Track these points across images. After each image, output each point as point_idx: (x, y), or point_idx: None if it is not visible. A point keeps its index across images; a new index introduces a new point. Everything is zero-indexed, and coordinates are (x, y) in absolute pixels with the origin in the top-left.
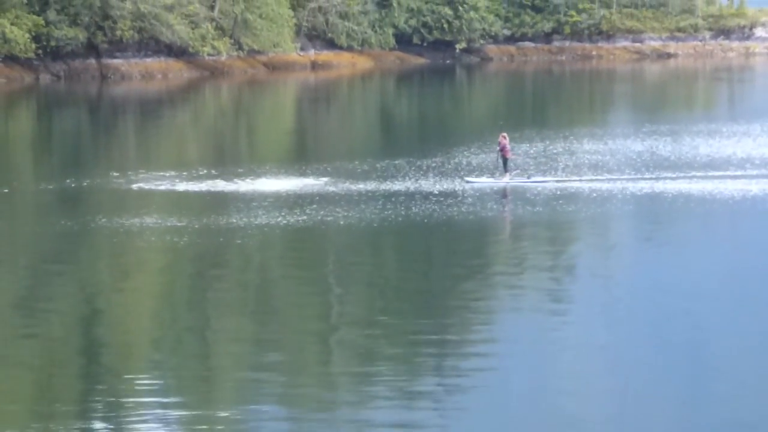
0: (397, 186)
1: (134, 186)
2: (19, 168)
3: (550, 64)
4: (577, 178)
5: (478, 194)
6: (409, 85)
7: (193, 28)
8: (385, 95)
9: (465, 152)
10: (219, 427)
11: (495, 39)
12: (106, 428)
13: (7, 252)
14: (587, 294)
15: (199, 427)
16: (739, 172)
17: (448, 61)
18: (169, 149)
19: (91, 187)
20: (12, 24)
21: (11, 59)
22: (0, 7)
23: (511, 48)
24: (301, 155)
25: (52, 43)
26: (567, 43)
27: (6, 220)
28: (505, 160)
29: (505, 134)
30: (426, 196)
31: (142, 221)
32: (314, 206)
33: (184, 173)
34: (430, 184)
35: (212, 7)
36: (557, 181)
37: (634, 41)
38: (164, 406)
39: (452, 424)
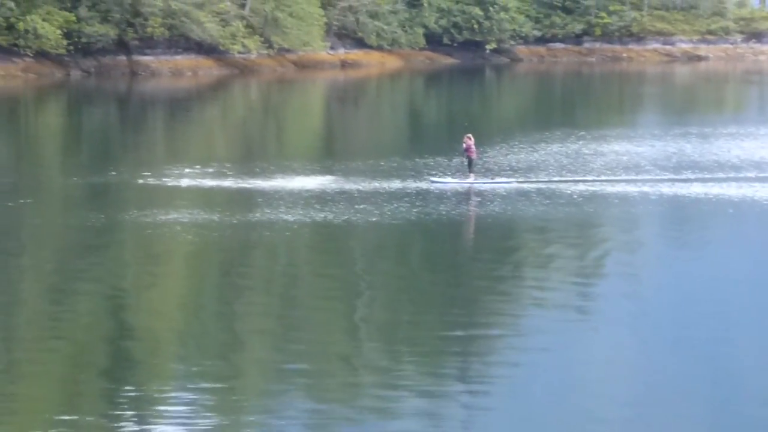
0: (424, 185)
1: (163, 181)
2: (50, 162)
3: (580, 65)
4: (559, 179)
5: (505, 194)
6: (438, 85)
7: (223, 26)
8: (413, 95)
9: (493, 152)
10: (246, 423)
11: (525, 40)
12: (132, 423)
13: (37, 245)
14: (613, 295)
15: (226, 422)
16: None
17: (477, 62)
18: (197, 146)
19: (120, 181)
20: (43, 20)
21: (42, 55)
22: (32, 4)
23: (541, 49)
24: (328, 153)
25: (83, 40)
26: (597, 45)
27: (36, 213)
28: (470, 161)
29: (470, 135)
30: (454, 195)
31: (171, 216)
32: (341, 203)
33: (213, 169)
34: (509, 183)
35: (243, 5)
36: (519, 182)
37: (664, 43)
38: (190, 402)
39: (477, 422)
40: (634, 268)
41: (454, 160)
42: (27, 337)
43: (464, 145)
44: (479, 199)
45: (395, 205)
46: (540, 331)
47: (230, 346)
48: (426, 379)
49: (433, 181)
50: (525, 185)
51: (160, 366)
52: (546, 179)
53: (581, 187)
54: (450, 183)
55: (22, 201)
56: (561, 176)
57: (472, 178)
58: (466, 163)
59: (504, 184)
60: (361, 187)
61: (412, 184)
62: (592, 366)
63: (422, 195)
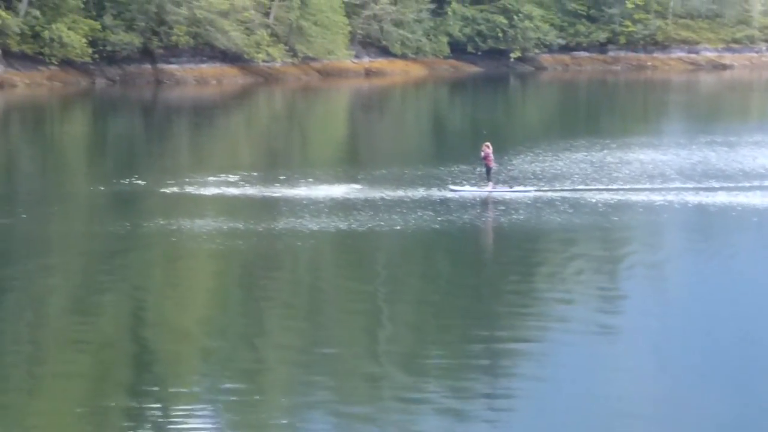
0: (448, 194)
1: (187, 189)
2: (75, 170)
3: (604, 74)
4: (580, 188)
5: (530, 203)
6: (462, 93)
7: (248, 35)
8: (438, 103)
9: (518, 161)
10: None
11: (549, 48)
12: None
13: (62, 252)
14: (638, 306)
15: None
16: None
17: (501, 70)
18: (222, 154)
19: (145, 190)
20: (69, 28)
21: (68, 63)
22: (57, 12)
23: (566, 57)
24: (353, 161)
25: (108, 48)
26: (622, 53)
27: (62, 221)
28: (488, 169)
29: (488, 143)
30: (478, 204)
31: (195, 224)
32: (366, 212)
33: (237, 178)
34: (495, 192)
35: (267, 14)
36: (537, 191)
37: (689, 52)
38: (212, 416)
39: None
40: (659, 278)
41: (478, 169)
42: (50, 349)
43: (482, 154)
44: (503, 207)
45: (419, 213)
46: (564, 344)
47: (254, 359)
48: (449, 393)
49: (451, 189)
50: (549, 194)
51: (183, 378)
52: (563, 187)
53: (606, 195)
54: (468, 191)
55: (47, 209)
56: (585, 185)
57: (490, 187)
58: (484, 172)
59: (522, 192)
60: (385, 196)
61: (436, 193)
62: (616, 380)
63: (446, 204)
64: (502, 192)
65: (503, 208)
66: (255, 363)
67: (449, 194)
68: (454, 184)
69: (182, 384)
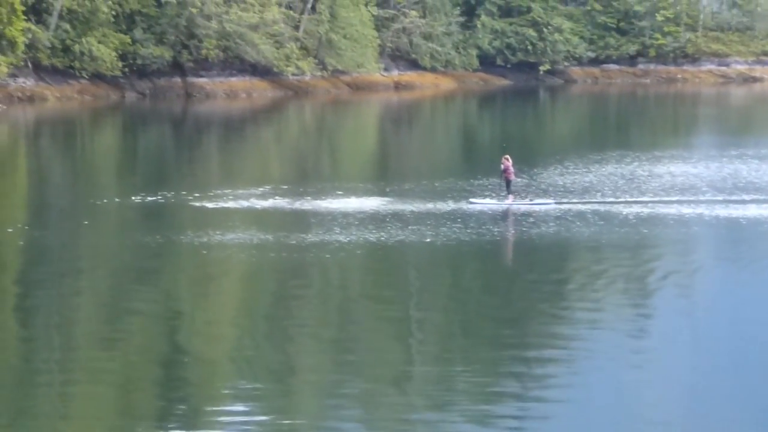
0: (479, 206)
1: (217, 202)
2: (106, 183)
3: (634, 86)
4: (589, 200)
5: (560, 215)
6: (491, 106)
7: (277, 48)
8: (467, 116)
9: (547, 173)
10: None
11: (579, 61)
12: None
13: (92, 265)
14: (668, 318)
15: None
16: None
17: (531, 83)
18: (252, 167)
19: (176, 202)
20: (99, 42)
21: (98, 77)
22: (87, 26)
23: (595, 70)
24: (382, 174)
25: (139, 62)
26: (652, 66)
27: (93, 234)
28: (508, 182)
29: (507, 156)
30: (509, 215)
31: (226, 237)
32: (395, 224)
33: (267, 190)
34: (515, 205)
35: (297, 27)
36: (557, 203)
37: (719, 65)
38: (243, 424)
39: None
40: (690, 291)
41: (499, 182)
42: (82, 357)
43: (502, 167)
44: (533, 220)
45: (449, 226)
46: (594, 353)
47: (284, 368)
48: (480, 403)
49: (471, 202)
50: (579, 206)
51: (214, 388)
52: (587, 200)
53: (636, 208)
54: (488, 204)
55: (79, 222)
56: (615, 197)
57: (510, 200)
58: (503, 185)
59: (542, 205)
60: (415, 208)
61: (465, 206)
62: (647, 389)
63: (476, 216)
64: (522, 205)
65: (533, 220)
66: (284, 369)
67: (472, 207)
68: (474, 196)
69: (213, 392)
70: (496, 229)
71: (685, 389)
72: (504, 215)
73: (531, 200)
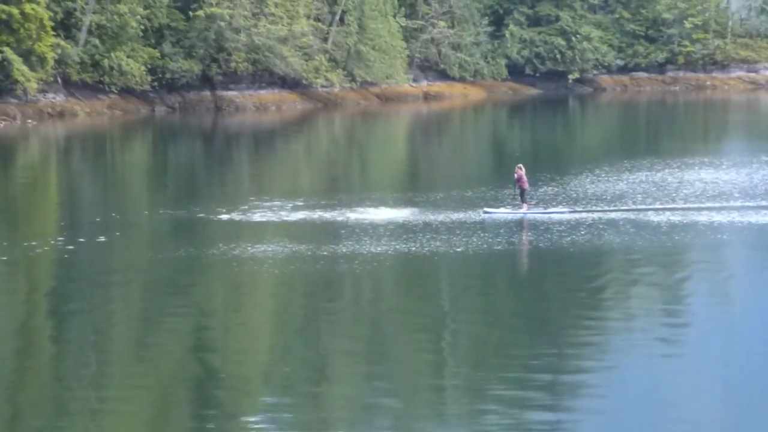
0: (510, 216)
1: (248, 215)
2: (137, 197)
3: (663, 94)
4: (601, 209)
5: (591, 223)
6: (521, 115)
7: (306, 60)
8: (497, 126)
9: (577, 182)
10: None
11: (608, 69)
12: None
13: (124, 278)
14: (702, 325)
15: None
16: None
17: (560, 92)
18: (282, 179)
19: (206, 216)
20: (128, 57)
21: (127, 92)
22: (116, 41)
23: (624, 78)
24: (413, 185)
25: (168, 76)
26: (681, 74)
27: (124, 248)
28: (522, 191)
29: (521, 165)
30: (539, 225)
31: (257, 250)
32: (426, 235)
33: (298, 203)
34: (541, 214)
35: (326, 39)
36: (571, 212)
37: (748, 71)
38: None
39: None
40: (722, 297)
41: (541, 190)
42: (114, 373)
43: (515, 176)
44: (563, 227)
45: (480, 235)
46: (628, 362)
47: (316, 382)
48: (513, 411)
49: (486, 211)
50: (614, 214)
51: (246, 401)
52: (606, 208)
53: (667, 215)
54: (503, 213)
55: (110, 236)
56: (645, 205)
57: (525, 209)
58: (518, 194)
59: (557, 214)
60: (445, 219)
61: (513, 215)
62: (681, 398)
63: (506, 225)
64: (537, 214)
65: (561, 228)
66: (317, 383)
67: (512, 216)
68: (489, 206)
69: (244, 406)
70: (526, 238)
71: (719, 395)
72: (520, 224)
73: (545, 208)
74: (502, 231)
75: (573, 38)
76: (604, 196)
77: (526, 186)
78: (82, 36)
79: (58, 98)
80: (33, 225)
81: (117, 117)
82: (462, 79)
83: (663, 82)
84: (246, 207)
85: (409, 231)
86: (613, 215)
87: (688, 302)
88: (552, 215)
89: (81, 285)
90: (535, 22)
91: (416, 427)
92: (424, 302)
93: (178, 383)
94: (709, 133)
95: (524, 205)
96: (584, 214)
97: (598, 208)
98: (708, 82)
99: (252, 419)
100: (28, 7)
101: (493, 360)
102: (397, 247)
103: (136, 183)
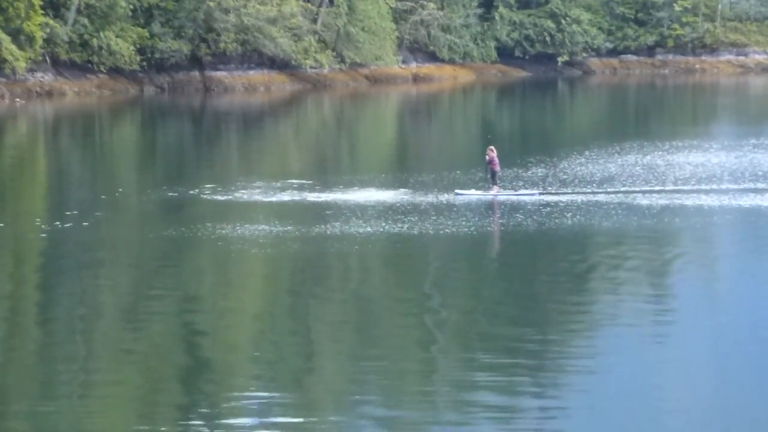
0: (480, 197)
1: (236, 195)
2: (125, 177)
3: (652, 77)
4: (572, 191)
5: (581, 206)
6: (510, 98)
7: (295, 41)
8: (486, 108)
9: (565, 164)
10: None
11: (597, 52)
12: None
13: (111, 259)
14: (690, 309)
15: None
16: None
17: (550, 75)
18: (271, 160)
19: (194, 196)
20: (117, 37)
21: (116, 71)
22: (105, 20)
23: (614, 61)
24: (402, 167)
25: (157, 56)
26: (670, 57)
27: (112, 228)
28: (493, 173)
29: (492, 147)
30: (528, 205)
31: (244, 230)
32: (415, 216)
33: (286, 183)
34: (533, 195)
35: (315, 20)
36: (541, 194)
37: (738, 55)
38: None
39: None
40: (710, 280)
41: (531, 171)
42: (101, 356)
43: (487, 158)
44: (549, 209)
45: (469, 216)
46: (614, 347)
47: (304, 366)
48: (499, 392)
49: (456, 193)
50: (597, 197)
51: (234, 384)
52: (573, 191)
53: (655, 198)
54: (473, 195)
55: (98, 216)
56: (634, 187)
57: (495, 190)
58: (489, 176)
59: (527, 196)
60: (434, 200)
61: (484, 197)
62: (668, 385)
63: (495, 207)
64: (507, 195)
65: (548, 210)
66: (305, 367)
67: (504, 198)
68: (460, 188)
69: (232, 391)
70: (512, 220)
71: (707, 379)
72: (491, 206)
73: (516, 190)
74: (490, 213)
75: (562, 21)
76: (592, 179)
77: (497, 168)
78: (71, 15)
79: (46, 77)
80: (20, 205)
81: (106, 97)
82: (451, 61)
83: (652, 65)
84: (235, 187)
85: (398, 212)
86: (600, 197)
87: (675, 285)
88: (522, 197)
89: (68, 263)
90: (524, 4)
91: (402, 414)
92: (411, 282)
93: (166, 364)
94: (698, 117)
95: (495, 187)
96: (574, 197)
97: (569, 191)
98: (697, 66)
99: (241, 403)
100: None
101: (479, 342)
102: (386, 228)
103: (125, 162)
